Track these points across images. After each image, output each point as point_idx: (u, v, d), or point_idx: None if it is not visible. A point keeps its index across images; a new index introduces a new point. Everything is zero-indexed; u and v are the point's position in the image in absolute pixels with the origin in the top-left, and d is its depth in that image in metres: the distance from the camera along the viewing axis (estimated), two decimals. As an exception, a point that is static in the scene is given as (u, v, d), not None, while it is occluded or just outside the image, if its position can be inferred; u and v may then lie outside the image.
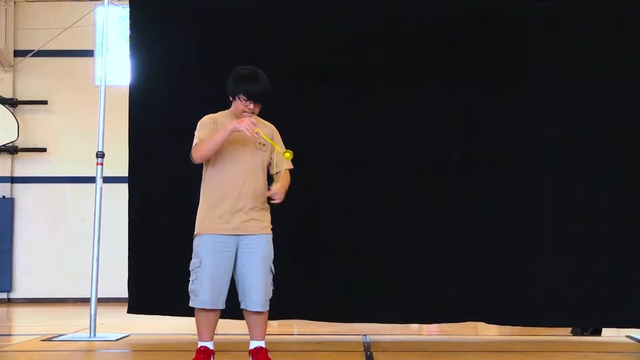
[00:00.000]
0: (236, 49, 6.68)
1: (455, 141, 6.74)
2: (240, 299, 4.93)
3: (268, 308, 4.94)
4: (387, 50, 6.79)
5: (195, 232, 4.98)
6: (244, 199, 4.89)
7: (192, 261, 4.93)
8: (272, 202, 4.89)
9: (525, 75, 6.75)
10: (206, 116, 5.07)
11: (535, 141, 6.69)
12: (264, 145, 4.98)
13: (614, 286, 6.59)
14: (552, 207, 6.67)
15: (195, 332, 5.01)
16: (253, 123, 4.77)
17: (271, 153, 5.01)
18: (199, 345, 4.92)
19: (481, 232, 6.68)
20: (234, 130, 4.76)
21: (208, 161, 4.96)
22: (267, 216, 5.00)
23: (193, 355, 4.91)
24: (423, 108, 6.77)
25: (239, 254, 4.91)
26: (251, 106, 4.92)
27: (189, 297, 4.93)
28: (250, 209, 4.90)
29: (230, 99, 5.00)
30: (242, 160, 4.91)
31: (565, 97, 6.74)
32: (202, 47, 6.80)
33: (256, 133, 4.75)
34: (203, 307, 4.87)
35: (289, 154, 4.79)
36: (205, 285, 4.84)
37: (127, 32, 6.97)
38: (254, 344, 4.95)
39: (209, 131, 4.92)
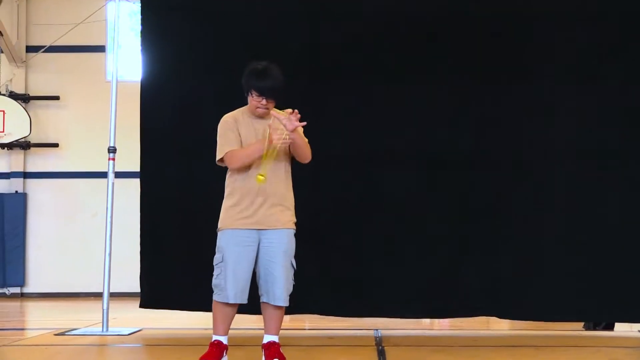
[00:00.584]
0: (246, 45, 6.67)
1: (463, 138, 6.72)
2: (261, 292, 4.96)
3: (288, 303, 4.96)
4: (393, 47, 6.77)
5: (218, 227, 5.01)
6: (265, 193, 4.91)
7: (215, 256, 4.96)
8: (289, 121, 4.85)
9: (535, 72, 6.71)
10: (226, 116, 5.08)
11: (544, 138, 6.68)
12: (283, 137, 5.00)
13: (626, 281, 6.57)
14: (563, 202, 6.66)
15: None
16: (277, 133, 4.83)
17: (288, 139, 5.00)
18: (213, 339, 4.94)
19: (492, 226, 6.66)
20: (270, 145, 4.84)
21: None
22: (289, 211, 5.02)
23: (205, 349, 4.93)
24: (431, 105, 6.75)
25: (261, 248, 4.93)
26: (263, 102, 4.93)
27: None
28: (273, 203, 4.93)
29: (246, 94, 5.02)
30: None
31: (574, 95, 6.70)
32: (213, 43, 6.80)
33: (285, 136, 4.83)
34: (227, 302, 4.89)
35: (262, 177, 4.81)
36: (229, 280, 4.87)
37: (139, 27, 6.98)
38: (267, 338, 4.97)
39: (234, 135, 4.96)
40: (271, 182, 4.91)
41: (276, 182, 4.95)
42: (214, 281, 4.93)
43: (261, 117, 5.00)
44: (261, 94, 4.91)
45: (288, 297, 4.94)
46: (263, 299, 4.95)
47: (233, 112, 5.12)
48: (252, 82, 4.93)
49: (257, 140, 4.91)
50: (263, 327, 5.04)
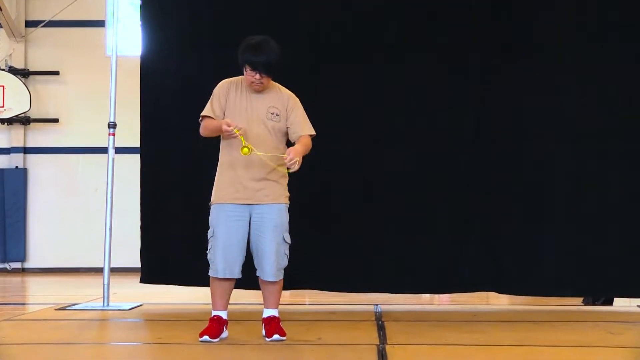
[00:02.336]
0: (249, 20, 6.65)
1: (469, 116, 6.72)
2: (255, 267, 4.97)
3: (281, 277, 4.97)
4: (394, 25, 6.76)
5: (210, 201, 5.02)
6: (255, 168, 4.89)
7: (208, 231, 4.98)
8: (290, 170, 4.84)
9: (538, 50, 6.70)
10: (223, 82, 5.09)
11: (548, 116, 6.67)
12: (277, 115, 4.97)
13: (625, 256, 6.60)
14: (563, 179, 6.66)
15: (207, 302, 5.05)
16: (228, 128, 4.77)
17: (286, 121, 5.00)
18: (212, 314, 4.96)
19: (493, 203, 6.68)
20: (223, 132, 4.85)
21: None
22: (281, 185, 4.99)
23: (206, 324, 4.95)
24: (436, 84, 6.74)
25: (251, 223, 4.93)
26: (257, 76, 4.88)
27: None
28: (263, 178, 4.91)
29: (242, 69, 4.98)
30: (252, 130, 4.89)
31: (578, 73, 6.69)
32: (214, 17, 6.77)
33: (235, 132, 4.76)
34: (216, 276, 4.91)
35: (246, 150, 4.77)
36: (218, 254, 4.89)
37: (138, 2, 6.95)
38: (267, 313, 4.99)
39: (218, 104, 4.96)
40: (258, 157, 4.87)
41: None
42: (208, 256, 4.96)
43: (258, 92, 4.97)
44: (254, 68, 4.86)
45: (280, 272, 4.95)
46: (257, 273, 4.97)
47: (235, 78, 5.07)
48: (246, 56, 4.88)
49: (222, 121, 4.85)
50: (262, 302, 5.06)
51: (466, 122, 6.72)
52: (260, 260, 4.92)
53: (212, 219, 4.98)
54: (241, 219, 4.91)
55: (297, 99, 5.09)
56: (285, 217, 4.99)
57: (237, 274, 4.93)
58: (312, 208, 6.52)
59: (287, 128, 5.01)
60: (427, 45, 6.73)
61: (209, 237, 4.98)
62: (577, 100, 6.67)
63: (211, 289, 5.01)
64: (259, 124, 4.92)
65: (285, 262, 4.97)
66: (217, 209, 4.97)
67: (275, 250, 4.91)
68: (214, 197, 5.01)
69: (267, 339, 4.93)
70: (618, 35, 6.67)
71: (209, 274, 4.96)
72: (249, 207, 4.92)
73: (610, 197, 6.62)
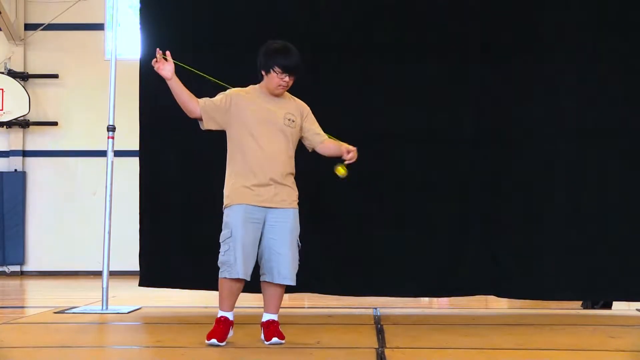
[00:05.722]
0: (246, 23, 6.65)
1: (469, 116, 6.73)
2: (264, 271, 4.93)
3: (295, 282, 4.95)
4: (393, 26, 6.77)
5: (224, 204, 4.95)
6: (272, 173, 4.90)
7: (222, 232, 4.91)
8: (349, 158, 4.99)
9: (539, 50, 6.71)
10: (238, 88, 5.11)
11: (548, 116, 6.68)
12: (292, 121, 4.99)
13: (624, 260, 6.59)
14: (562, 181, 6.67)
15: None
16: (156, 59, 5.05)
17: (300, 130, 5.04)
18: (219, 315, 4.92)
19: (492, 206, 6.67)
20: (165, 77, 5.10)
21: (232, 136, 4.98)
22: (294, 191, 5.02)
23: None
24: (435, 83, 6.75)
25: (266, 226, 4.91)
26: (286, 79, 4.93)
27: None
28: (279, 183, 4.92)
29: (263, 72, 4.97)
30: (269, 136, 4.91)
31: (578, 73, 6.70)
32: (213, 19, 6.77)
33: (161, 56, 5.07)
34: (237, 278, 4.83)
35: (343, 170, 4.99)
36: (239, 256, 4.82)
37: (138, 5, 6.95)
38: (266, 317, 4.98)
39: (221, 98, 5.02)
40: (276, 161, 4.90)
41: (281, 162, 4.93)
42: (221, 258, 4.88)
43: (277, 96, 5.00)
44: (285, 70, 4.90)
45: (295, 276, 4.93)
46: (266, 278, 4.93)
47: (245, 88, 5.09)
48: (277, 60, 4.91)
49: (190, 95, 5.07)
50: (262, 306, 5.05)
51: (466, 122, 6.72)
52: (277, 264, 4.89)
53: (230, 220, 4.90)
54: (257, 222, 4.89)
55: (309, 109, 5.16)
56: (298, 222, 5.01)
57: (249, 275, 4.90)
58: (311, 210, 6.48)
59: (301, 135, 5.07)
60: (427, 45, 6.74)
61: (223, 240, 4.89)
62: (577, 100, 6.67)
63: (220, 290, 4.93)
64: (277, 131, 4.94)
65: (297, 266, 4.98)
66: (235, 210, 4.90)
67: (292, 253, 4.92)
68: (230, 199, 4.93)
69: (265, 342, 4.92)
70: (618, 35, 6.67)
71: (224, 276, 4.84)
72: (265, 210, 4.90)
73: (610, 197, 6.61)
